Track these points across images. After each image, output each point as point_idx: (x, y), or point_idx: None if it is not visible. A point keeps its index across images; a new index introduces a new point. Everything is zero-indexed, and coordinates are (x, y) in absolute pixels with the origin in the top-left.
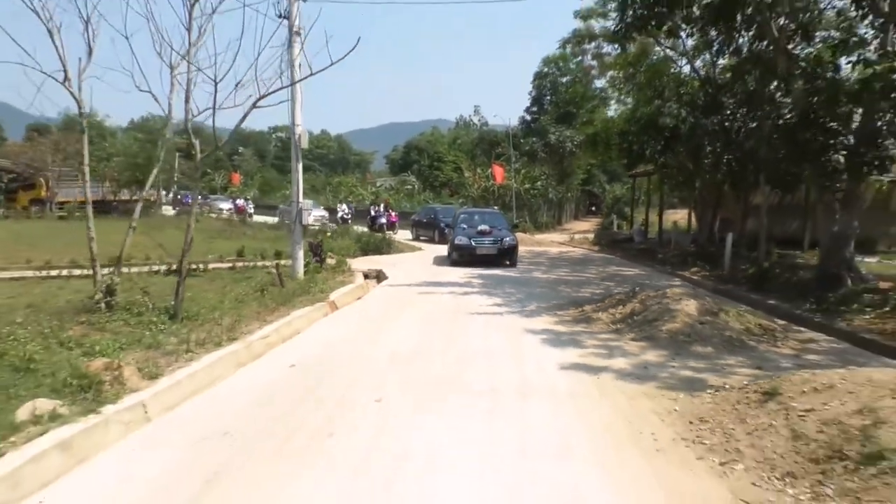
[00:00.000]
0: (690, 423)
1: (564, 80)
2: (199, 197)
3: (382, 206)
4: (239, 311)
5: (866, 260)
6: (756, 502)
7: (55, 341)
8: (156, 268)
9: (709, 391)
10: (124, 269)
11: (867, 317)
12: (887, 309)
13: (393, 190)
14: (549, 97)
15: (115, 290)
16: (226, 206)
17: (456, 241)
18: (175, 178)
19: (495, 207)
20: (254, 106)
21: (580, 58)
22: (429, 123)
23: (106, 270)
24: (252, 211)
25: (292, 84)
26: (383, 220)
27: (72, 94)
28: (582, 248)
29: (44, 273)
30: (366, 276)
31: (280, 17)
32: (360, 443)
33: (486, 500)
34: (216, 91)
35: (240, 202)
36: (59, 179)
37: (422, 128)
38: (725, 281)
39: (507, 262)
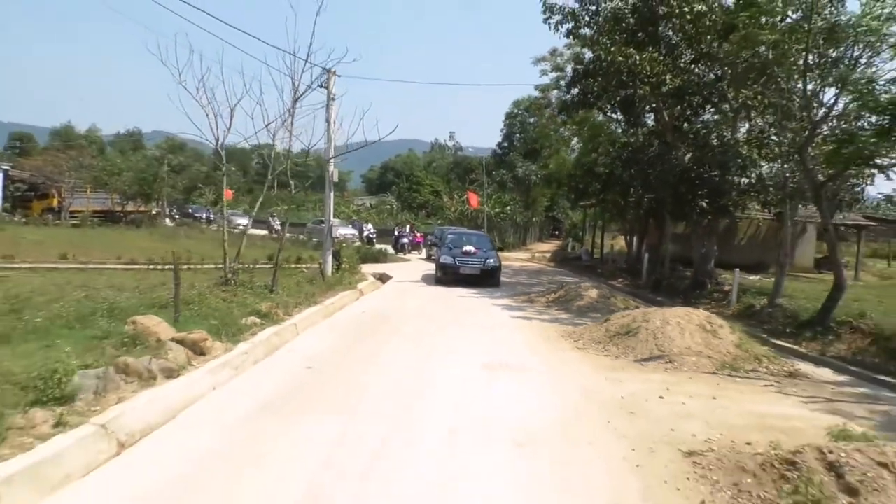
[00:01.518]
0: (571, 334)
1: (532, 120)
2: (228, 213)
3: (408, 227)
4: (304, 291)
5: (751, 277)
6: (582, 349)
7: (219, 299)
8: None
9: (584, 329)
10: (194, 266)
11: (706, 301)
12: (723, 301)
13: (373, 209)
14: (518, 135)
15: (238, 273)
16: (243, 221)
17: (441, 261)
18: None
19: (482, 231)
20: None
21: (535, 118)
22: (403, 143)
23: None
24: (278, 226)
25: (328, 139)
26: (406, 240)
27: (220, 152)
28: (539, 264)
29: (135, 267)
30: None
31: (321, 86)
32: (412, 337)
33: (476, 353)
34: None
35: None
36: (72, 190)
37: (396, 147)
38: (639, 287)
39: (490, 283)
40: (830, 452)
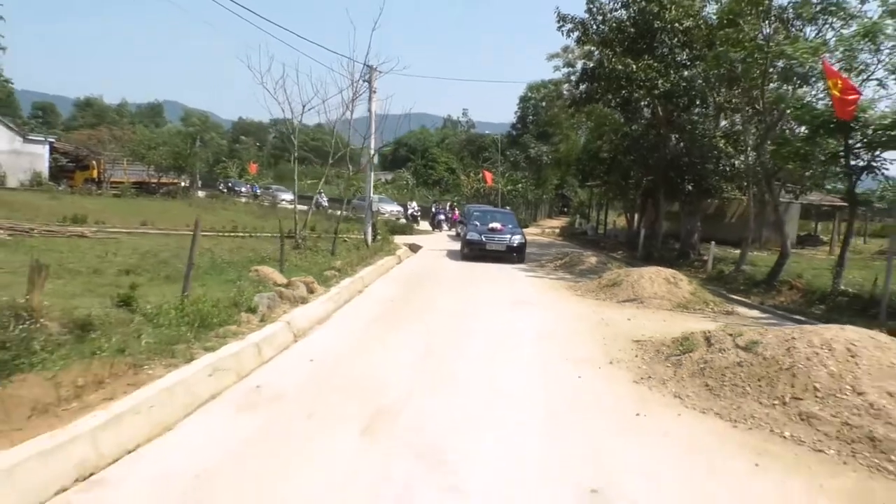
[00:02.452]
0: (571, 287)
1: (544, 103)
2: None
3: (449, 205)
4: (356, 255)
5: (736, 251)
6: (579, 295)
7: (300, 259)
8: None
9: (582, 283)
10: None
11: (687, 268)
12: (702, 268)
13: (390, 184)
14: (531, 117)
15: (306, 240)
16: (288, 197)
17: (468, 237)
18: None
19: (508, 208)
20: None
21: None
22: (415, 118)
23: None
24: (326, 203)
25: (370, 126)
26: (442, 217)
27: (293, 141)
28: (549, 238)
29: (208, 234)
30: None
31: (364, 80)
32: (450, 288)
33: (502, 296)
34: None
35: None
36: (113, 162)
37: (405, 122)
38: (635, 258)
39: (516, 259)
40: (707, 332)
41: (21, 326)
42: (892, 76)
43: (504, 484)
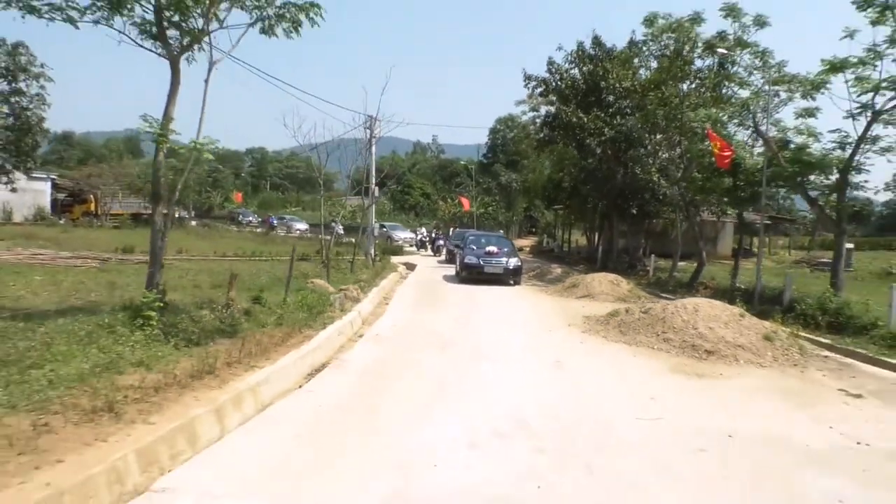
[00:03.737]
0: (542, 290)
1: (511, 134)
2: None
3: (451, 230)
4: (369, 272)
5: (680, 263)
6: (549, 295)
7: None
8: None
9: (551, 287)
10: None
11: (635, 276)
12: (645, 275)
13: (368, 209)
14: (500, 146)
15: (329, 260)
16: (302, 226)
17: (466, 261)
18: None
19: (500, 231)
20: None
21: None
22: (385, 142)
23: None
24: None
25: (370, 165)
26: (441, 242)
27: (318, 169)
28: (521, 255)
29: (231, 258)
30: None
31: (365, 127)
32: (454, 290)
33: (492, 295)
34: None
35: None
36: (113, 196)
37: (378, 147)
38: (594, 269)
39: (512, 282)
40: (627, 308)
41: (228, 311)
42: (774, 128)
43: (510, 361)
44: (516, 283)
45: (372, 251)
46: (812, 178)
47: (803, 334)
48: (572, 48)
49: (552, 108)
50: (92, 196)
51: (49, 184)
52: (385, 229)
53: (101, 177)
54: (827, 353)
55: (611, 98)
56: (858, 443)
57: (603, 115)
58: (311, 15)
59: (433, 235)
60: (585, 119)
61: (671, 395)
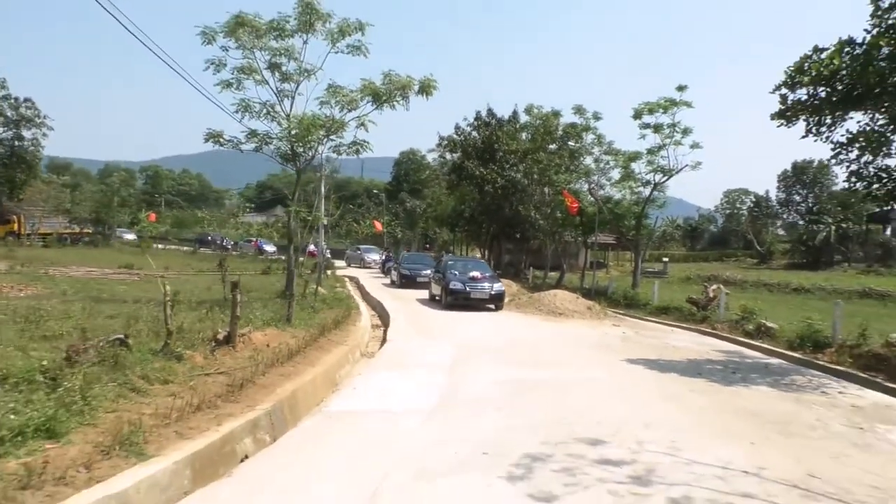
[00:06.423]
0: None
1: (414, 167)
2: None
3: (402, 253)
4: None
5: (552, 273)
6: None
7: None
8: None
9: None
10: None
11: (518, 283)
12: (527, 282)
13: (266, 226)
14: (404, 176)
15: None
16: (270, 248)
17: (451, 286)
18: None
19: (478, 257)
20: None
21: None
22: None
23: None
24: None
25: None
26: (391, 264)
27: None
28: None
29: (188, 274)
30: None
31: (320, 175)
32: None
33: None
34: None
35: (311, 248)
36: (41, 217)
37: (269, 166)
38: None
39: (494, 307)
40: (531, 295)
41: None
42: (608, 183)
43: (481, 337)
44: (498, 308)
45: (323, 268)
46: (624, 221)
47: (609, 309)
48: (472, 116)
49: (457, 159)
50: (15, 217)
51: None
52: (359, 252)
53: (31, 199)
54: (618, 314)
55: (500, 154)
56: (606, 334)
57: (496, 168)
58: (365, 147)
59: (384, 257)
60: (484, 170)
61: (542, 327)
